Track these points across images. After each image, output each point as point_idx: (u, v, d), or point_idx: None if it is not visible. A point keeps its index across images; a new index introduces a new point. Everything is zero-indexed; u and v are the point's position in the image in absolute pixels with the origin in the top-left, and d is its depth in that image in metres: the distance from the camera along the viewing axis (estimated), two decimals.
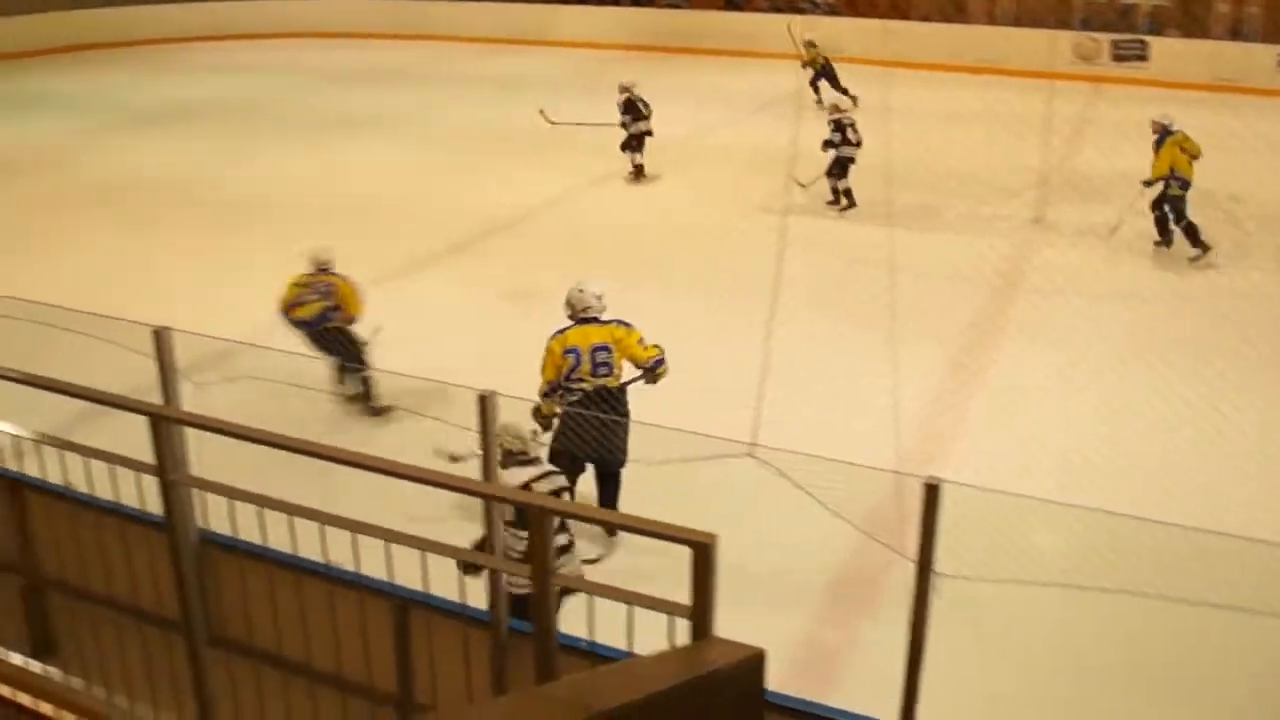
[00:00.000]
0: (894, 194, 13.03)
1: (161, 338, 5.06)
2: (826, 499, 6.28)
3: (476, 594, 4.10)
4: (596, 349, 7.53)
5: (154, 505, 4.23)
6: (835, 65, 21.57)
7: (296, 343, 9.13)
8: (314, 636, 4.13)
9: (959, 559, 4.42)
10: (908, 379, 9.15)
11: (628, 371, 7.75)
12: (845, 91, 20.74)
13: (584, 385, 7.49)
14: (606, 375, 7.55)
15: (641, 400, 7.75)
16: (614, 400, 7.52)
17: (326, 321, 9.21)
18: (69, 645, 4.99)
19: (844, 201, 15.16)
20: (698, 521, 3.22)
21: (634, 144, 16.97)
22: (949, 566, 4.15)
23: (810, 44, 21.68)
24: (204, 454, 4.21)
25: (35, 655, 4.96)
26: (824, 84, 21.47)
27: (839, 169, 15.06)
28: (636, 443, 7.62)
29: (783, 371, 9.12)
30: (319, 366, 9.31)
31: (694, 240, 14.24)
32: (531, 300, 11.98)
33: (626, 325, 7.71)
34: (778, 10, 29.14)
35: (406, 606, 4.14)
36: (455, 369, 7.71)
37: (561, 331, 7.64)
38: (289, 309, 9.24)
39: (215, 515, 4.23)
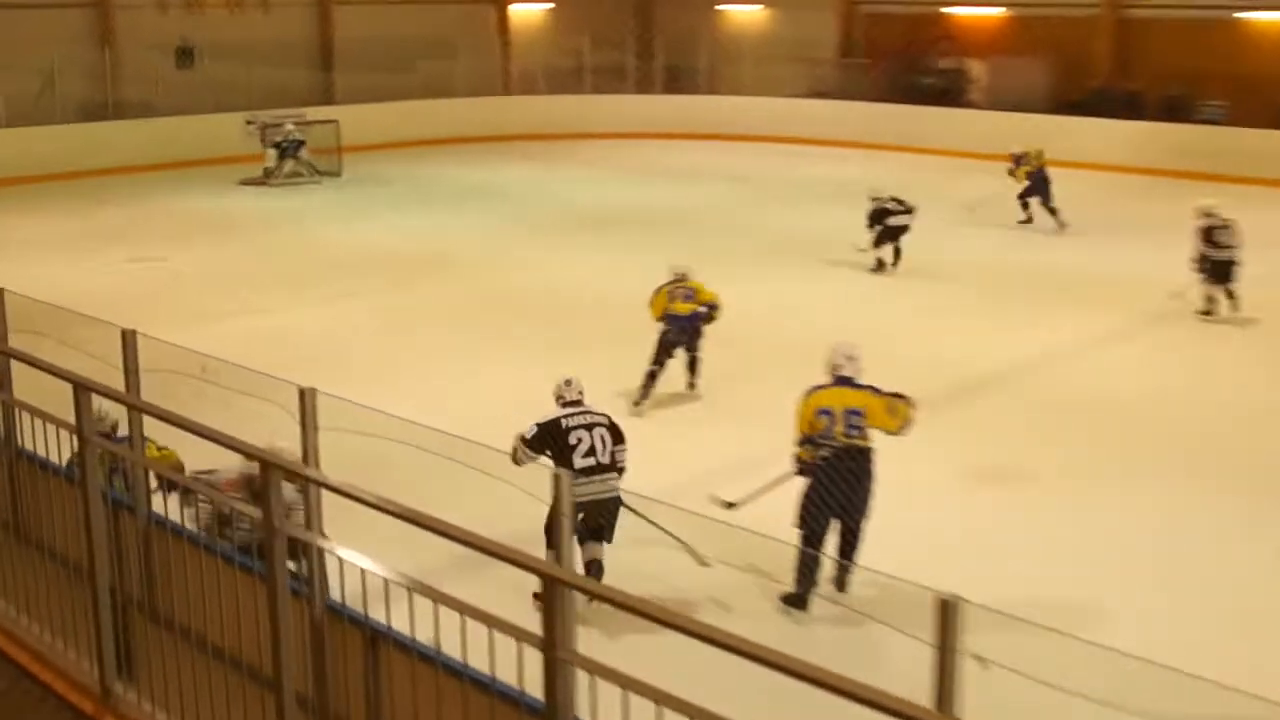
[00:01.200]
0: None
1: (560, 482, 5.13)
2: None
3: None
4: (850, 412, 9.11)
5: (532, 681, 4.23)
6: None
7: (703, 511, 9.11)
8: None
9: None
10: None
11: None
12: (1055, 213, 22.64)
13: (834, 443, 9.06)
14: (857, 437, 9.11)
15: (1162, 634, 7.22)
16: (863, 459, 9.14)
17: (698, 320, 13.64)
18: None
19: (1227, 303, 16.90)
20: None
21: (884, 237, 19.51)
22: None
23: (1023, 156, 22.89)
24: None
25: None
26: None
27: (1212, 274, 16.81)
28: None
29: None
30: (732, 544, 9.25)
31: (1226, 424, 13.42)
32: (1007, 483, 11.71)
33: (877, 391, 9.26)
34: None
35: None
36: (913, 562, 7.62)
37: (816, 390, 9.31)
38: (670, 306, 13.57)
39: (606, 707, 4.17)
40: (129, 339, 6.88)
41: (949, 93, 33.93)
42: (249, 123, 28.83)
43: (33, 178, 27.55)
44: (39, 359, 6.69)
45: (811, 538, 9.05)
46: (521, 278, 19.67)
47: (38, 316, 9.29)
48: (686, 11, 38.33)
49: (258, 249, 21.73)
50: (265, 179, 28.04)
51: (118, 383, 6.63)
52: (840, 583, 9.26)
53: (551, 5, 39.29)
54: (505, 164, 30.99)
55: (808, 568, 8.99)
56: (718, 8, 39.08)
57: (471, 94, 35.34)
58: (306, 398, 6.15)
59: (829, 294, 18.70)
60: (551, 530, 8.13)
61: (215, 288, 18.92)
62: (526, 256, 21.18)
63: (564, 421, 8.96)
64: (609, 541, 9.00)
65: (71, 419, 6.02)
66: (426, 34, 34.94)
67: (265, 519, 5.00)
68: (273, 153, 28.30)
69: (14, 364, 7.34)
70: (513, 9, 38.84)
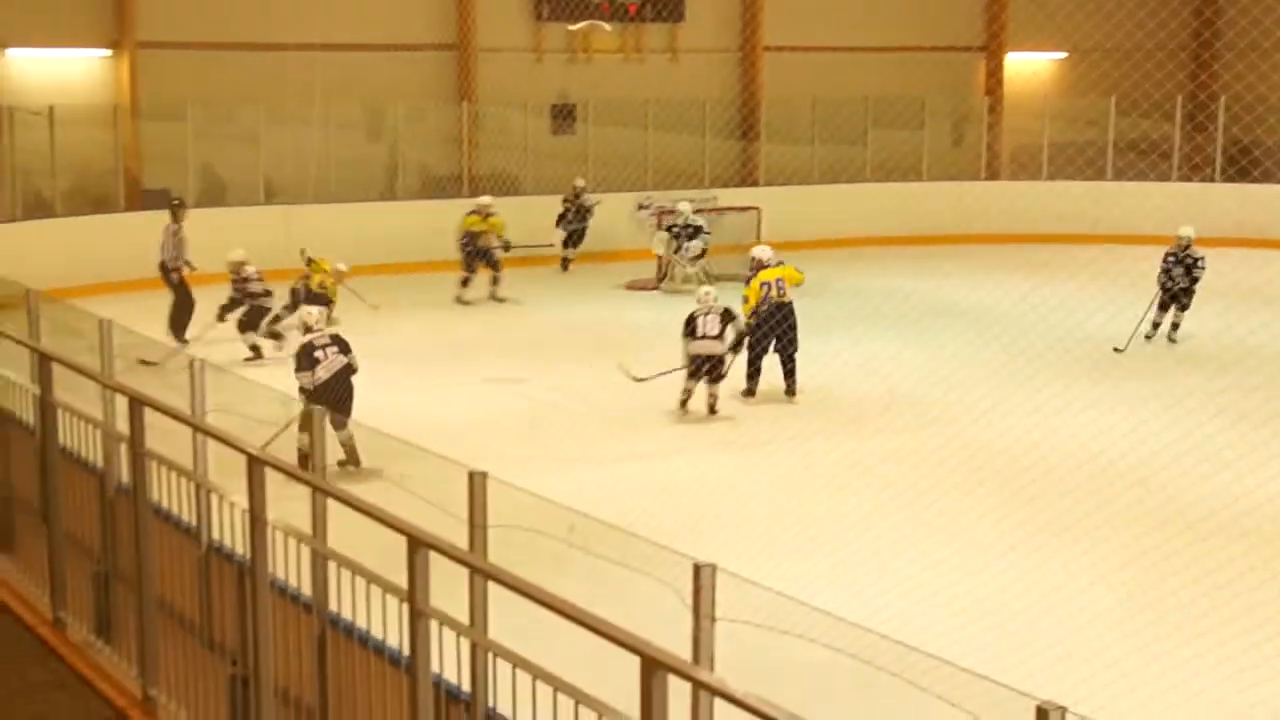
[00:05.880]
0: None
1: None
2: None
3: None
4: (780, 280, 22.14)
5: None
6: None
7: None
8: None
9: None
10: None
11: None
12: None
13: (773, 301, 21.85)
14: (784, 294, 22.01)
15: None
16: (790, 308, 21.90)
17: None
18: None
19: None
20: None
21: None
22: None
23: None
24: None
25: None
26: None
27: None
28: None
29: None
30: None
31: None
32: None
33: (784, 262, 22.64)
34: None
35: None
36: None
37: (754, 276, 22.21)
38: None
39: None
40: (477, 484, 7.33)
41: None
42: (641, 207, 30.05)
43: (376, 267, 28.65)
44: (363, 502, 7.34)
45: (756, 360, 21.65)
46: (995, 434, 19.06)
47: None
48: (1270, 60, 34.54)
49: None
50: (657, 283, 28.94)
51: (460, 536, 7.09)
52: (792, 392, 21.73)
53: (1065, 55, 39.44)
54: (986, 275, 30.17)
55: (756, 375, 21.72)
56: None
57: (944, 176, 35.98)
58: (703, 577, 6.28)
59: None
60: None
61: (587, 420, 20.01)
62: (1006, 404, 20.55)
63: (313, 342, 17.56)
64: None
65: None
66: (884, 94, 35.63)
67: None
68: (662, 236, 28.76)
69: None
70: (1010, 59, 39.34)
